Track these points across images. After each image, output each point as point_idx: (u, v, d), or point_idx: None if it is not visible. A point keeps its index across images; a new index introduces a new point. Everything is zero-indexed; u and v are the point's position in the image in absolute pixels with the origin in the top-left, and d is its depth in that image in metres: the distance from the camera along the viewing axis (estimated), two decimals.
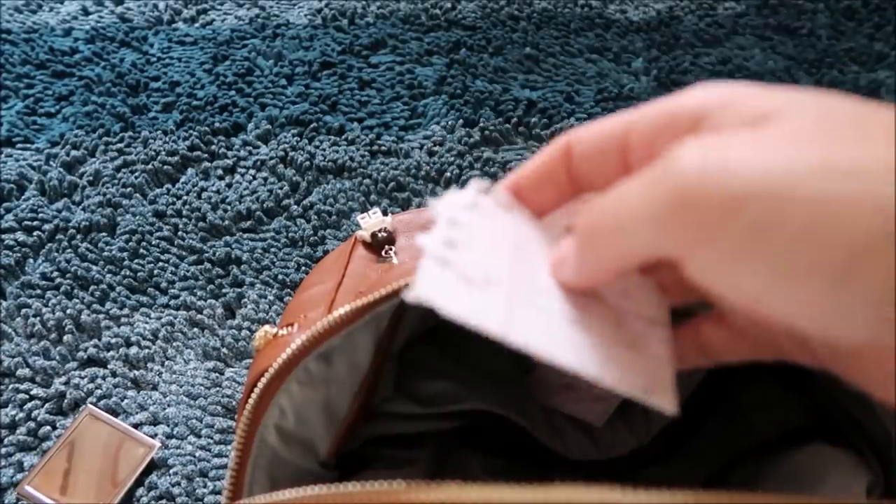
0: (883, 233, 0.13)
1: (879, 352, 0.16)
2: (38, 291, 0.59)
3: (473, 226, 0.20)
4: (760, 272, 0.14)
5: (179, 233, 0.63)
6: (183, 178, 0.67)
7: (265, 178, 0.67)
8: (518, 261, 0.20)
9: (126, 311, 0.58)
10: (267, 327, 0.33)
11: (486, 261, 0.19)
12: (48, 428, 0.52)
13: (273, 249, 0.62)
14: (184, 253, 0.62)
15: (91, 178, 0.67)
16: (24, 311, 0.57)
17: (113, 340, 0.56)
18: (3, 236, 0.62)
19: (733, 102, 0.16)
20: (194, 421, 0.52)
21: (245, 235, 0.63)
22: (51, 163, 0.68)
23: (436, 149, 0.70)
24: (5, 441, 0.51)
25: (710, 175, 0.15)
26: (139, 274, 0.60)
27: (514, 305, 0.19)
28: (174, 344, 0.57)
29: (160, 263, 0.61)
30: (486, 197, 0.21)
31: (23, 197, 0.65)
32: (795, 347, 0.20)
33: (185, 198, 0.66)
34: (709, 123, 0.17)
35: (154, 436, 0.51)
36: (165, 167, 0.68)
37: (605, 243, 0.18)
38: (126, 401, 0.53)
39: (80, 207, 0.65)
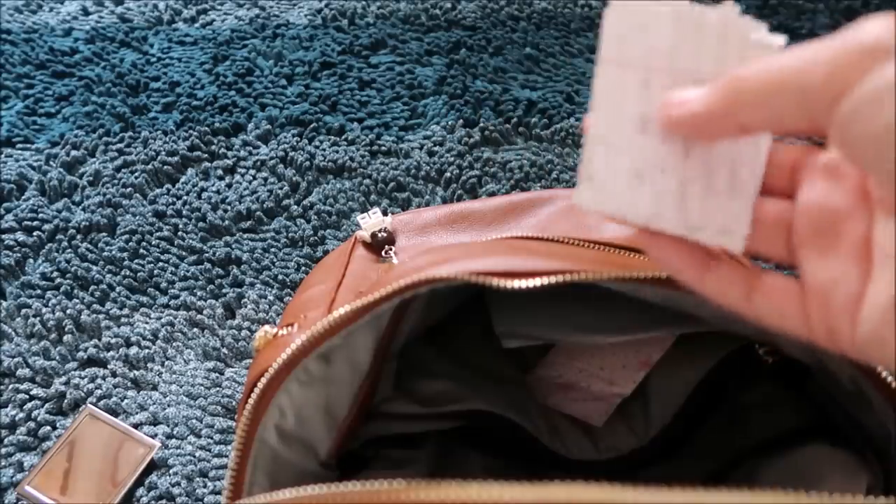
0: None
1: None
2: (38, 291, 0.59)
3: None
4: None
5: (179, 233, 0.63)
6: (183, 178, 0.67)
7: (265, 178, 0.68)
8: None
9: (126, 311, 0.58)
10: (267, 327, 0.33)
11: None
12: (48, 428, 0.52)
13: (273, 249, 0.62)
14: (184, 253, 0.62)
15: (91, 178, 0.67)
16: (24, 311, 0.57)
17: (113, 340, 0.56)
18: (3, 236, 0.62)
19: None
20: (194, 421, 0.52)
21: (245, 235, 0.63)
22: (51, 163, 0.68)
23: (436, 149, 0.70)
24: (5, 441, 0.51)
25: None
26: (139, 274, 0.60)
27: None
28: (174, 344, 0.57)
29: (160, 263, 0.61)
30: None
31: (23, 197, 0.65)
32: (823, 328, 0.20)
33: (185, 198, 0.66)
34: None
35: (154, 436, 0.51)
36: (165, 167, 0.68)
37: (759, 100, 0.18)
38: (126, 401, 0.53)
39: (80, 207, 0.65)
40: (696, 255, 0.22)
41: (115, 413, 0.52)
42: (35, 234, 0.62)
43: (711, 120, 0.19)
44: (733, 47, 0.21)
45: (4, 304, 0.58)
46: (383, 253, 0.40)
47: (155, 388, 0.54)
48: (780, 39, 0.20)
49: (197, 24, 0.82)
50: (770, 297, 0.21)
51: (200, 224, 0.64)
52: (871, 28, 0.17)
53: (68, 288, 0.59)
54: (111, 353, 0.55)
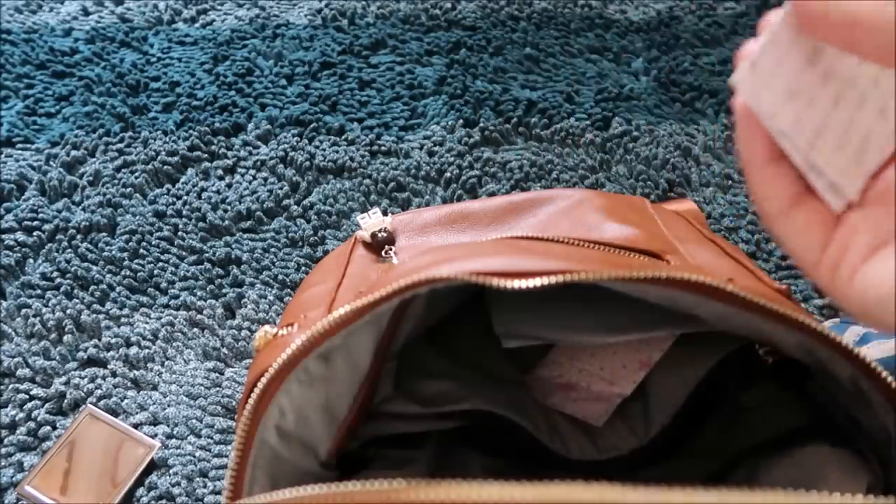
0: None
1: None
2: (38, 291, 0.59)
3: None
4: None
5: (179, 233, 0.63)
6: (183, 178, 0.67)
7: (265, 178, 0.68)
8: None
9: (126, 311, 0.58)
10: (267, 327, 0.33)
11: None
12: (48, 428, 0.52)
13: (273, 249, 0.62)
14: (184, 253, 0.62)
15: (91, 178, 0.67)
16: (24, 311, 0.57)
17: (113, 340, 0.56)
18: (3, 236, 0.62)
19: None
20: (194, 421, 0.52)
21: (245, 235, 0.63)
22: (51, 163, 0.68)
23: (436, 149, 0.70)
24: (5, 441, 0.51)
25: None
26: (139, 274, 0.60)
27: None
28: (174, 344, 0.57)
29: (160, 263, 0.61)
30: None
31: (23, 197, 0.65)
32: (831, 264, 0.21)
33: (185, 198, 0.66)
34: None
35: (154, 436, 0.51)
36: (165, 167, 0.68)
37: None
38: (126, 401, 0.53)
39: (80, 207, 0.65)
40: (770, 151, 0.22)
41: (115, 413, 0.52)
42: (35, 234, 0.62)
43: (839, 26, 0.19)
44: None
45: (4, 304, 0.58)
46: (383, 253, 0.40)
47: (155, 388, 0.54)
48: None
49: (197, 24, 0.82)
50: (807, 217, 0.22)
51: (200, 224, 0.64)
52: None
53: (68, 288, 0.59)
54: (111, 353, 0.55)
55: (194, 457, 0.50)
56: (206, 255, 0.62)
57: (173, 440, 0.51)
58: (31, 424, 0.52)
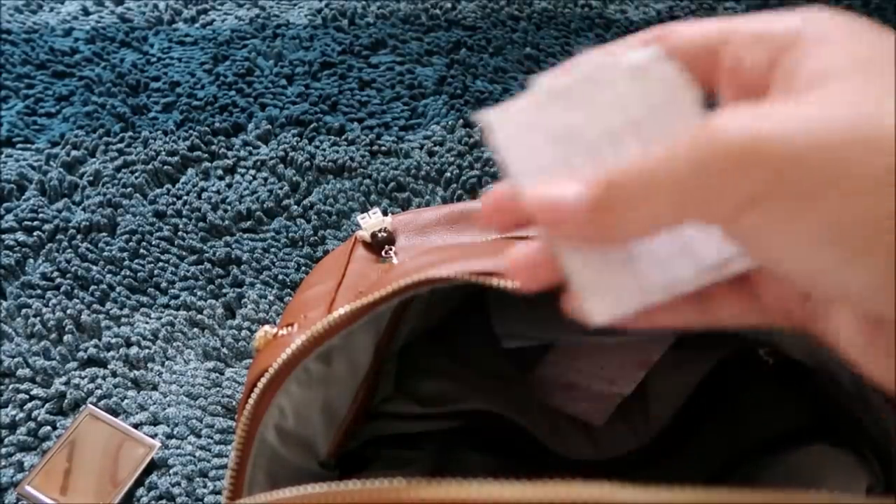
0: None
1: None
2: (38, 291, 0.59)
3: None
4: (806, 232, 0.15)
5: (179, 233, 0.63)
6: (183, 178, 0.67)
7: (265, 178, 0.67)
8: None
9: (126, 311, 0.58)
10: (267, 327, 0.33)
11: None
12: (48, 428, 0.52)
13: (273, 249, 0.62)
14: (184, 253, 0.62)
15: (91, 178, 0.67)
16: (24, 311, 0.57)
17: (113, 340, 0.56)
18: (3, 236, 0.62)
19: (823, 42, 0.16)
20: (194, 421, 0.52)
21: (245, 235, 0.63)
22: (51, 163, 0.68)
23: (436, 149, 0.70)
24: (5, 441, 0.51)
25: (762, 138, 0.15)
26: (139, 274, 0.60)
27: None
28: (174, 344, 0.57)
29: (160, 263, 0.61)
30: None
31: (23, 197, 0.65)
32: (804, 314, 0.20)
33: (185, 198, 0.66)
34: (790, 58, 0.17)
35: (154, 436, 0.51)
36: (165, 167, 0.68)
37: (631, 204, 0.17)
38: (126, 401, 0.53)
39: (80, 207, 0.65)
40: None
41: (115, 413, 0.52)
42: (35, 234, 0.62)
43: (588, 225, 0.18)
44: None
45: (4, 304, 0.58)
46: (383, 253, 0.40)
47: (155, 388, 0.54)
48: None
49: (197, 24, 0.82)
50: (729, 316, 0.21)
51: (200, 224, 0.64)
52: (738, 129, 0.15)
53: (68, 288, 0.59)
54: (111, 353, 0.55)
55: (194, 457, 0.50)
56: (206, 255, 0.62)
57: (173, 440, 0.51)
58: (31, 424, 0.52)
